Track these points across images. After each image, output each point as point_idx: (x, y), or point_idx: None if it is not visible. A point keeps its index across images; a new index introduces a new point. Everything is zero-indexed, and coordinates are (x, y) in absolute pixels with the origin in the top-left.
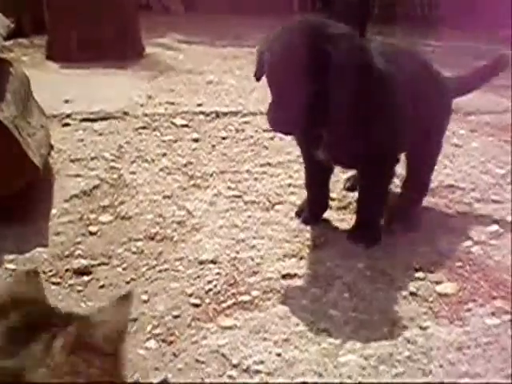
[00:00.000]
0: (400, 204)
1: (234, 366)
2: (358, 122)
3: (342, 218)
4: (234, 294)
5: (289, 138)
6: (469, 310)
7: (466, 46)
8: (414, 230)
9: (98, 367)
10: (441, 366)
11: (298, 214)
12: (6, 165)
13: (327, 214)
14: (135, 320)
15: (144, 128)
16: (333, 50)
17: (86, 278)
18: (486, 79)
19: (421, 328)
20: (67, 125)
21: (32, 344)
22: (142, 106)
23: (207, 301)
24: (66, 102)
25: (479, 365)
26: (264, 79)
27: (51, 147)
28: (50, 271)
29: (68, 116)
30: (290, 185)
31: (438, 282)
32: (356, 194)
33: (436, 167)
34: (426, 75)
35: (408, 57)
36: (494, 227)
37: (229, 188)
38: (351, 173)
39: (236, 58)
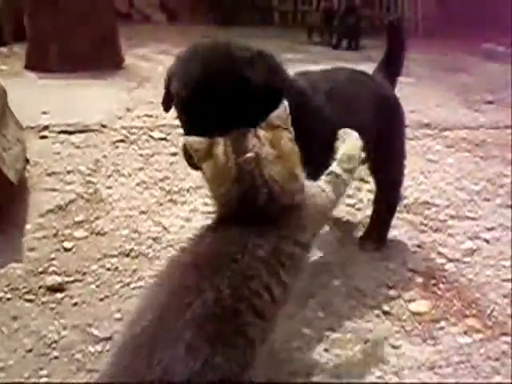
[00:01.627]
0: (371, 223)
1: None
2: None
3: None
4: None
5: None
6: (441, 328)
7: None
8: (382, 248)
9: None
10: None
11: None
12: None
13: None
14: (108, 339)
15: (121, 141)
16: (252, 75)
17: (59, 295)
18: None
19: (393, 347)
20: (44, 137)
21: None
22: (120, 118)
23: None
24: (44, 113)
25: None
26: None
27: (27, 161)
28: (24, 288)
29: (45, 128)
30: None
31: (411, 300)
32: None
33: (411, 183)
34: (370, 96)
35: (348, 81)
36: (469, 244)
37: (205, 204)
38: None
39: None
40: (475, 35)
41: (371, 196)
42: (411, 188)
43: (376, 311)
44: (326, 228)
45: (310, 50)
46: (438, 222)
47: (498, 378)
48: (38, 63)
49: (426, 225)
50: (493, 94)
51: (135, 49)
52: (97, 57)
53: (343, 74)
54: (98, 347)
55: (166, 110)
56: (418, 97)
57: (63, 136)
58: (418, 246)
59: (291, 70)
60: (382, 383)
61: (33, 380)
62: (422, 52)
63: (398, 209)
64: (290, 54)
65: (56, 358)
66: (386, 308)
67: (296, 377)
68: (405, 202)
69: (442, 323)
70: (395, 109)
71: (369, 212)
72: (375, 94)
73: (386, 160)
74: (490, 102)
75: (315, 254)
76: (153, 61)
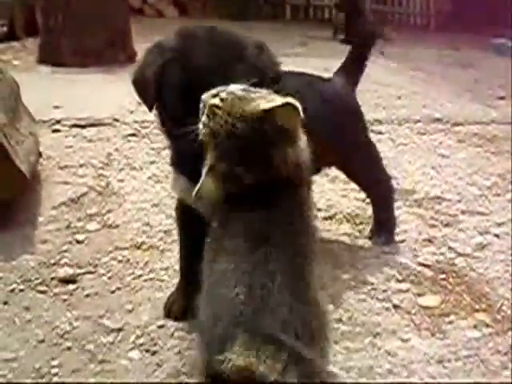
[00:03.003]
0: (375, 218)
1: None
2: None
3: (327, 228)
4: None
5: None
6: (450, 322)
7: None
8: (392, 240)
9: None
10: (421, 379)
11: None
12: None
13: None
14: (119, 330)
15: (133, 135)
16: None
17: (71, 287)
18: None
19: (402, 340)
20: (57, 131)
21: None
22: (131, 112)
23: None
24: (56, 107)
25: (459, 378)
26: None
27: (40, 154)
28: (36, 279)
29: (58, 122)
30: None
31: (420, 294)
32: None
33: (423, 178)
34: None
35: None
36: (479, 239)
37: None
38: None
39: None
40: (487, 30)
41: None
42: (422, 183)
43: (385, 304)
44: (336, 222)
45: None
46: (448, 217)
47: (506, 373)
48: (50, 57)
49: (436, 219)
50: (504, 90)
51: (147, 43)
52: (109, 51)
53: (294, 79)
54: (110, 338)
55: (152, 107)
56: (429, 92)
57: (75, 130)
58: (429, 241)
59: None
60: (389, 383)
61: (45, 370)
62: (434, 47)
63: (396, 198)
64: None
65: (68, 348)
66: (395, 301)
67: None
68: (415, 196)
69: (452, 317)
70: (350, 111)
71: None
72: (330, 99)
73: (354, 164)
74: (502, 98)
75: (326, 248)
76: None
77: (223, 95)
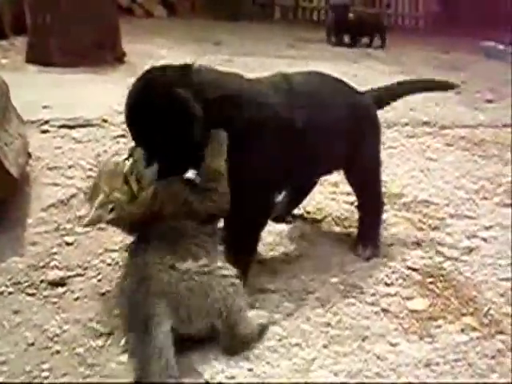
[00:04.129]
0: (360, 229)
1: (206, 382)
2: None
3: (316, 231)
4: None
5: None
6: (438, 326)
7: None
8: (378, 254)
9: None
10: (410, 383)
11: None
12: None
13: (302, 228)
14: (109, 334)
15: (122, 136)
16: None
17: (60, 290)
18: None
19: (391, 344)
20: (46, 131)
21: None
22: (120, 113)
23: None
24: (45, 107)
25: (447, 382)
26: None
27: (29, 155)
28: (26, 282)
29: (46, 122)
30: None
31: (408, 298)
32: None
33: (411, 181)
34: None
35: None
36: (466, 243)
37: None
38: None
39: (215, 65)
40: (476, 33)
41: None
42: (410, 186)
43: (374, 308)
44: (325, 226)
45: (312, 48)
46: (436, 221)
47: (494, 376)
48: (38, 57)
49: (424, 223)
50: (493, 93)
51: (136, 44)
52: (98, 51)
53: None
54: (100, 341)
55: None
56: (417, 94)
57: (64, 130)
58: (417, 244)
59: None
60: (381, 383)
61: (35, 373)
62: (422, 49)
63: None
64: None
65: (58, 352)
66: (383, 305)
67: (296, 373)
68: (403, 200)
69: (440, 321)
70: (371, 119)
71: None
72: (348, 102)
73: (362, 172)
74: (490, 101)
75: (315, 252)
76: (154, 56)
77: None
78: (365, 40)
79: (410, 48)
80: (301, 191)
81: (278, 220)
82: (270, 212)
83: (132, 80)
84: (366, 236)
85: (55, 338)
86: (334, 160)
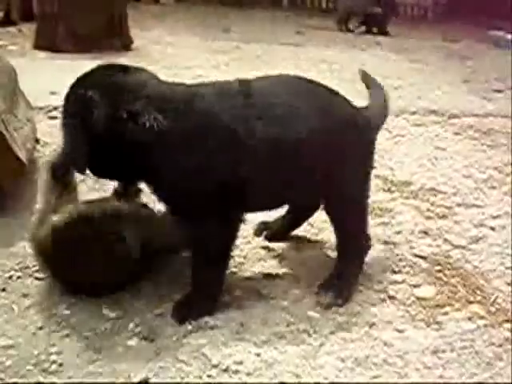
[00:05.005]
0: (334, 271)
1: (214, 366)
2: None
3: (324, 218)
4: None
5: None
6: (445, 313)
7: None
8: (342, 303)
9: None
10: (416, 370)
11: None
12: None
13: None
14: (117, 318)
15: None
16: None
17: None
18: None
19: (398, 331)
20: (54, 118)
21: None
22: None
23: None
24: (53, 93)
25: (454, 369)
26: None
27: (37, 141)
28: (34, 266)
29: (55, 108)
30: None
31: (416, 286)
32: None
33: (419, 169)
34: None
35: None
36: (474, 232)
37: None
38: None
39: (224, 52)
40: (485, 23)
41: None
42: (418, 174)
43: (381, 295)
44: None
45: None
46: (444, 209)
47: (500, 364)
48: (46, 43)
49: (432, 211)
50: (501, 82)
51: (144, 30)
52: (106, 38)
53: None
54: (108, 326)
55: None
56: (425, 83)
57: None
58: (424, 232)
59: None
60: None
61: (43, 357)
62: (431, 38)
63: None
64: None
65: (67, 335)
66: (391, 292)
67: (303, 359)
68: (411, 188)
69: (447, 309)
70: (357, 140)
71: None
72: (324, 117)
73: (340, 205)
74: (499, 91)
75: (322, 240)
76: (161, 42)
77: None
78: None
79: (419, 37)
80: (299, 213)
81: (273, 239)
82: (231, 237)
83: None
84: (333, 280)
85: (63, 323)
86: (303, 187)
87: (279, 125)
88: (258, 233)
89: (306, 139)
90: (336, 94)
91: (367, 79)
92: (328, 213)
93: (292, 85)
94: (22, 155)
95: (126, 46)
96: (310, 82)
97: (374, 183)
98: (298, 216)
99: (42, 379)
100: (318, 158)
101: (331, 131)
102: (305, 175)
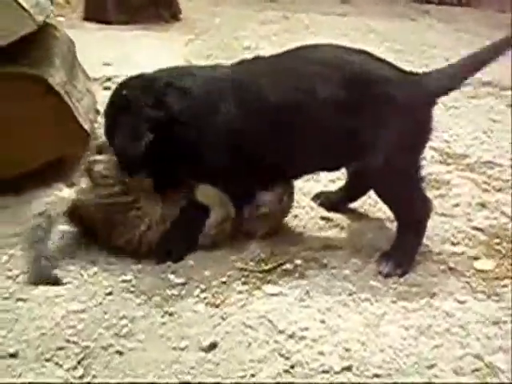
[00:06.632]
0: (394, 242)
1: (280, 332)
2: None
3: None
4: (277, 262)
5: None
6: (505, 286)
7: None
8: (402, 273)
9: None
10: (478, 340)
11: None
12: (57, 131)
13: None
14: (183, 284)
15: None
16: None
17: None
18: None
19: (458, 302)
20: (108, 88)
21: None
22: None
23: (252, 268)
24: (106, 64)
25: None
26: None
27: (97, 112)
28: None
29: (109, 79)
30: None
31: (475, 258)
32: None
33: (474, 142)
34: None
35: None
36: None
37: None
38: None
39: (272, 22)
40: None
41: None
42: (474, 147)
43: (441, 267)
44: None
45: None
46: (501, 182)
47: None
48: (95, 14)
49: (489, 184)
50: None
51: (191, 1)
52: (154, 8)
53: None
54: (175, 291)
55: None
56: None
57: None
58: (482, 205)
59: None
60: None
61: (113, 321)
62: (479, 8)
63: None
64: None
65: (135, 300)
66: (451, 264)
67: (366, 327)
68: (467, 160)
69: (506, 281)
70: (397, 101)
71: None
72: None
73: (385, 179)
74: None
75: (380, 211)
76: (209, 13)
77: None
78: None
79: (466, 8)
80: (358, 184)
81: (331, 209)
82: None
83: (189, 37)
84: (393, 250)
85: (131, 288)
86: (333, 151)
87: (307, 91)
88: (315, 200)
89: (335, 105)
90: (379, 60)
91: None
92: (371, 184)
93: (326, 52)
94: (87, 126)
95: (175, 16)
96: (349, 49)
97: (430, 155)
98: (357, 187)
99: (113, 342)
100: (349, 124)
101: (364, 98)
102: (337, 140)
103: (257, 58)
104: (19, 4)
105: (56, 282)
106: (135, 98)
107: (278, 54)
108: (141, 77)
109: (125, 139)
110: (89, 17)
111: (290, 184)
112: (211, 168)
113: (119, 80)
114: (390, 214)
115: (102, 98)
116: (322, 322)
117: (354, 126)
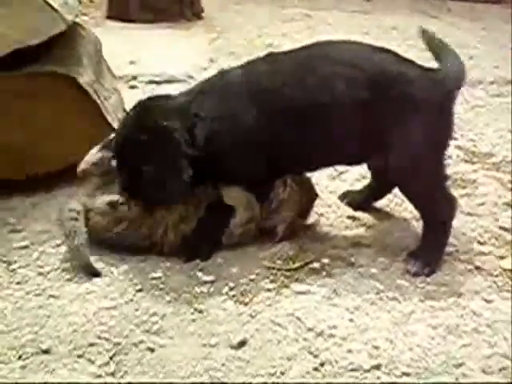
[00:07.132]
0: (421, 241)
1: (309, 330)
2: None
3: None
4: (304, 261)
5: None
6: None
7: None
8: (429, 273)
9: None
10: (505, 339)
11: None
12: (86, 130)
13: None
14: (212, 282)
15: None
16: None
17: None
18: None
19: (486, 301)
20: (134, 87)
21: None
22: (205, 69)
23: (279, 266)
24: (131, 63)
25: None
26: None
27: (124, 111)
28: None
29: (134, 78)
30: None
31: (501, 257)
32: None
33: (499, 141)
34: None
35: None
36: None
37: None
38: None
39: (295, 20)
40: None
41: None
42: (499, 146)
43: (468, 266)
44: None
45: None
46: None
47: None
48: (118, 13)
49: None
50: None
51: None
52: (177, 7)
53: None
54: (204, 289)
55: None
56: (501, 52)
57: (151, 86)
58: (508, 205)
59: None
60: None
61: (144, 318)
62: (503, 5)
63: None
64: None
65: (165, 297)
66: (477, 263)
67: (394, 326)
68: (493, 159)
69: None
70: (418, 98)
71: None
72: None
73: (407, 178)
74: None
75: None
76: (229, 10)
77: None
78: None
79: (490, 2)
80: (383, 183)
81: (357, 208)
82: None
83: (212, 36)
84: (421, 250)
85: (161, 285)
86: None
87: (326, 88)
88: (341, 199)
89: (354, 101)
90: (400, 58)
91: (432, 41)
92: (396, 183)
93: (344, 49)
94: (115, 124)
95: (198, 14)
96: (368, 46)
97: (455, 154)
98: (381, 186)
99: (144, 339)
100: (369, 120)
101: (384, 94)
102: (354, 136)
103: (270, 55)
104: (49, 5)
105: (96, 273)
106: (173, 131)
107: (294, 50)
108: (165, 100)
109: (167, 173)
110: (112, 16)
111: (307, 179)
112: (238, 171)
113: (144, 79)
114: (416, 212)
115: (128, 96)
116: (351, 320)
117: (374, 123)
